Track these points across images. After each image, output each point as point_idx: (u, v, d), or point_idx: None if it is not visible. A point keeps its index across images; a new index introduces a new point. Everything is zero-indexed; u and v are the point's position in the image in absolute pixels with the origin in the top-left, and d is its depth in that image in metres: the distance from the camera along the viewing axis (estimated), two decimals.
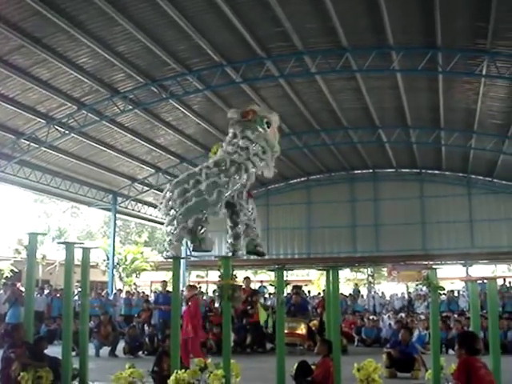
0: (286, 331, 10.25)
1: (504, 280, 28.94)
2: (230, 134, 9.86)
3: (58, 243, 28.36)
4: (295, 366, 9.33)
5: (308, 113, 26.15)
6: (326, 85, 22.94)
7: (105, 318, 17.68)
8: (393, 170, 36.59)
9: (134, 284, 37.14)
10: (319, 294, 28.46)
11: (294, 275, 46.10)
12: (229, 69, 21.10)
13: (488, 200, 35.21)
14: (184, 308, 13.07)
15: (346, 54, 19.89)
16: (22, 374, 8.57)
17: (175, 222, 9.10)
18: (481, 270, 38.81)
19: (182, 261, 33.94)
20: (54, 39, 17.89)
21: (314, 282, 43.68)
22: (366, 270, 39.94)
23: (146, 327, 18.30)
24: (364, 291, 34.97)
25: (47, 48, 18.13)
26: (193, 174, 9.43)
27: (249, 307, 16.64)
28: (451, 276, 37.12)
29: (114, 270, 34.79)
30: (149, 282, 41.74)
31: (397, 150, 32.36)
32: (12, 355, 8.95)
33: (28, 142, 24.00)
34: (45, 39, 17.76)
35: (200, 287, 32.95)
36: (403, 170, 36.48)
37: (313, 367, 9.25)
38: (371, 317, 21.81)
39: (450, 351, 14.16)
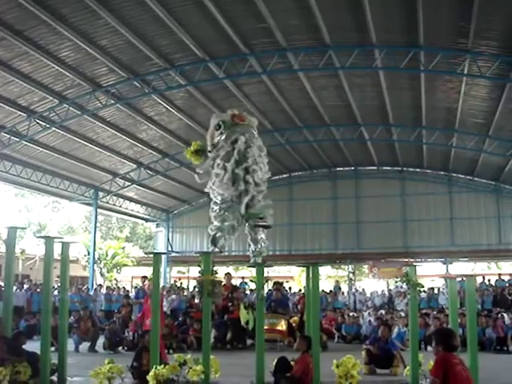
0: (266, 327, 10.28)
1: (483, 278, 29.20)
2: (238, 135, 10.50)
3: (38, 237, 28.19)
4: (274, 362, 9.36)
5: (290, 109, 26.18)
6: (309, 82, 22.98)
7: (85, 313, 17.62)
8: (374, 168, 36.72)
9: (115, 279, 37.02)
10: (300, 290, 28.54)
11: (275, 272, 46.32)
12: (212, 64, 21.05)
13: (468, 198, 35.46)
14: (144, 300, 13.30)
15: (328, 52, 19.95)
16: None
17: None
18: (461, 268, 39.14)
19: (163, 256, 33.95)
20: (35, 32, 17.73)
21: (295, 278, 43.82)
22: (347, 267, 40.10)
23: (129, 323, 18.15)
24: (345, 288, 35.11)
25: (29, 41, 17.97)
26: None
27: (230, 303, 16.64)
28: (431, 273, 37.39)
29: (95, 265, 34.63)
30: (130, 278, 41.61)
31: (379, 148, 32.50)
32: None
33: (8, 136, 23.76)
34: (26, 32, 17.59)
35: (181, 283, 33.06)
36: (385, 168, 36.62)
37: (292, 363, 9.28)
38: (351, 313, 21.90)
39: (429, 348, 14.27)
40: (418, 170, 36.13)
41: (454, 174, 35.39)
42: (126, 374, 9.36)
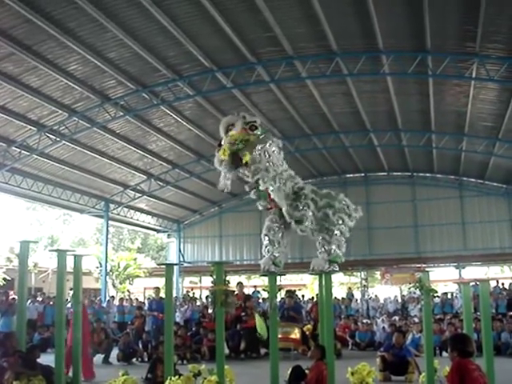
0: (279, 336, 10.25)
1: (497, 282, 28.98)
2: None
3: (50, 251, 28.25)
4: (289, 371, 9.33)
5: (299, 117, 26.18)
6: (317, 89, 22.99)
7: (98, 325, 17.64)
8: (384, 174, 36.65)
9: (128, 291, 37.07)
10: (312, 298, 28.45)
11: (287, 280, 46.15)
12: (219, 74, 21.12)
13: (480, 202, 35.30)
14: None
15: (336, 59, 19.95)
16: (14, 382, 8.55)
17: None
18: (474, 272, 38.90)
19: (175, 267, 33.95)
20: (44, 46, 17.86)
21: (307, 286, 43.67)
22: (359, 274, 39.96)
23: (143, 334, 18.10)
24: (357, 295, 34.95)
25: (37, 55, 18.10)
26: None
27: (243, 313, 16.60)
28: (444, 278, 37.20)
29: (107, 276, 34.68)
30: (142, 289, 41.66)
31: (388, 154, 32.43)
32: (5, 364, 8.93)
33: (19, 150, 23.92)
34: (35, 46, 17.72)
35: (193, 293, 33.04)
36: (395, 174, 36.53)
37: (307, 372, 9.25)
38: (365, 320, 21.79)
39: (444, 354, 14.19)
40: (428, 174, 36.00)
41: (465, 178, 35.22)
42: None
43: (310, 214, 9.77)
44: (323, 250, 9.88)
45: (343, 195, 10.44)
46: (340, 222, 9.89)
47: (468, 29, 17.41)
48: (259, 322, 15.86)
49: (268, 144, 9.65)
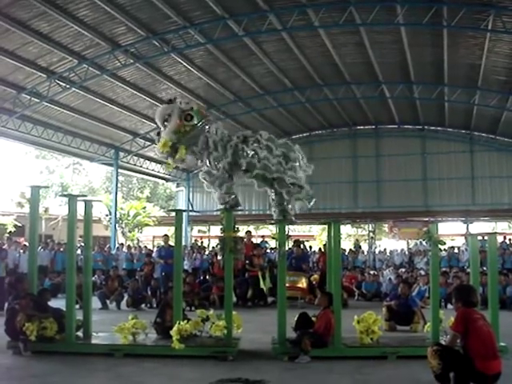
0: (287, 285, 10.34)
1: (504, 237, 28.99)
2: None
3: (61, 196, 28.50)
4: (295, 318, 9.47)
5: (310, 67, 25.91)
6: (329, 39, 22.70)
7: (114, 272, 18.04)
8: (395, 126, 36.44)
9: (137, 239, 37.41)
10: (320, 249, 28.61)
11: (295, 231, 46.43)
12: (231, 22, 20.81)
13: (490, 157, 35.20)
14: None
15: (349, 8, 19.60)
16: (26, 324, 8.71)
17: None
18: (481, 227, 38.98)
19: (184, 215, 34.14)
20: None
21: (315, 237, 43.95)
22: (367, 226, 40.13)
23: (152, 281, 18.32)
24: (365, 247, 35.14)
25: (47, 0, 17.86)
26: None
27: (246, 261, 16.72)
28: (451, 233, 37.32)
29: (117, 225, 34.95)
30: (151, 237, 42.06)
31: (399, 106, 32.21)
32: (16, 306, 9.09)
33: (29, 97, 23.87)
34: None
35: (202, 242, 33.32)
36: (405, 126, 36.35)
37: (313, 319, 9.38)
38: (371, 271, 21.96)
39: (449, 306, 14.31)
40: (439, 128, 35.76)
41: (476, 133, 35.00)
42: (150, 330, 9.52)
43: (264, 157, 10.04)
44: (277, 201, 10.33)
45: (298, 146, 10.71)
46: (292, 170, 10.17)
47: None
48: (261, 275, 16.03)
49: (206, 132, 10.00)
